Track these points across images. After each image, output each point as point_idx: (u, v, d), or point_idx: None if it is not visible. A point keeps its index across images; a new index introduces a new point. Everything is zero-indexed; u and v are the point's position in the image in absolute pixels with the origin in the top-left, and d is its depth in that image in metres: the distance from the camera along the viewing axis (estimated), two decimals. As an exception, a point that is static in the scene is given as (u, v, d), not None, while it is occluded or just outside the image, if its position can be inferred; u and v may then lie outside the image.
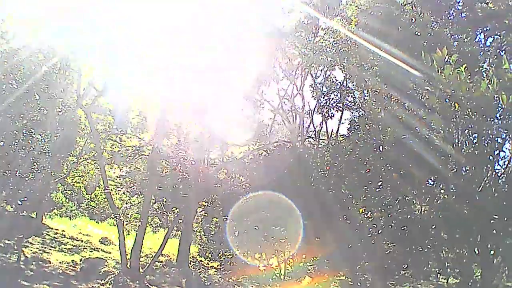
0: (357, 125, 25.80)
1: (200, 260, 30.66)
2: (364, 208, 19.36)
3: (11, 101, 22.22)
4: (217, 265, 28.95)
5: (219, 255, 27.72)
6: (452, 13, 32.08)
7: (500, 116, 14.92)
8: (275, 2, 35.02)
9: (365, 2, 28.46)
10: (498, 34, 31.18)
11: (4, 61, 22.99)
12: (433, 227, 16.90)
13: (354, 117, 31.41)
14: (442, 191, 17.26)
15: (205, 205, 30.30)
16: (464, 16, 31.29)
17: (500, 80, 10.85)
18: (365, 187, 19.51)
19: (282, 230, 22.39)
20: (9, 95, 22.25)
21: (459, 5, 32.02)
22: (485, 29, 31.79)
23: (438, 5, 31.05)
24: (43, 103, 25.24)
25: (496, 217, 14.33)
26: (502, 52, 22.59)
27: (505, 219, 14.27)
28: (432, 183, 18.06)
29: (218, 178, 30.60)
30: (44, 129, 26.32)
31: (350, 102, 34.51)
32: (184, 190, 29.83)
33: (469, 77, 11.17)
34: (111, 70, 30.43)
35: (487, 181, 15.00)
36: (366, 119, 23.18)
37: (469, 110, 13.83)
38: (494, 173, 15.46)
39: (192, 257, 31.91)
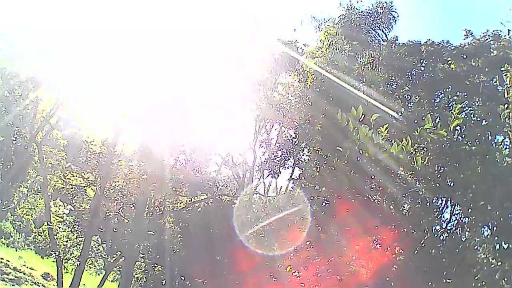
0: (298, 183, 27.21)
1: None
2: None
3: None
4: None
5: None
6: (414, 73, 34.05)
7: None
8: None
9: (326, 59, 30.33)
10: (457, 95, 33.09)
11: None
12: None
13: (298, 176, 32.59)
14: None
15: (141, 253, 30.93)
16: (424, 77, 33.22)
17: (419, 141, 11.63)
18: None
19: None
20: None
21: (422, 66, 33.98)
22: (444, 90, 33.66)
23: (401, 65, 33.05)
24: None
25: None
26: (450, 110, 23.94)
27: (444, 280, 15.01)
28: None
29: (157, 225, 31.21)
30: None
31: (298, 160, 35.33)
32: (125, 234, 30.75)
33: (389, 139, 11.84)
34: (70, 105, 31.82)
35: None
36: (305, 177, 24.49)
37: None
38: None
39: None
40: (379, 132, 11.40)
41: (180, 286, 25.99)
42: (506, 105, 11.76)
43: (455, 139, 13.16)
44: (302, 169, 33.06)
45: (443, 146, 12.92)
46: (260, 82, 35.56)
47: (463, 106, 30.99)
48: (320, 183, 22.09)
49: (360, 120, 10.77)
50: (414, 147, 11.64)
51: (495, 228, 18.38)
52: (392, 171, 14.63)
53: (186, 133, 35.12)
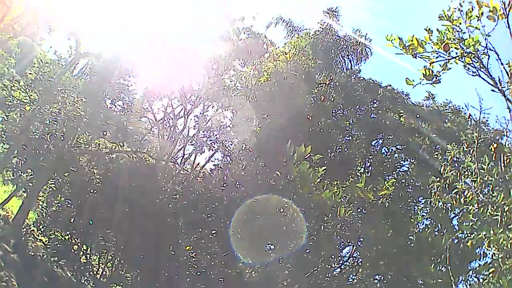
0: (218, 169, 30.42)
1: (32, 230, 32.94)
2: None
3: None
4: (45, 241, 30.19)
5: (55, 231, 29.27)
6: (362, 110, 36.61)
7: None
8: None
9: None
10: (397, 147, 36.07)
11: None
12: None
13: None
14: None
15: (57, 184, 31.96)
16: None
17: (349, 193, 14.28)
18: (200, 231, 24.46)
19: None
20: None
21: (373, 107, 36.60)
22: (385, 137, 36.38)
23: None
24: None
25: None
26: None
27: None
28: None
29: (77, 162, 32.45)
30: None
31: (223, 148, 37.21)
32: (45, 158, 32.69)
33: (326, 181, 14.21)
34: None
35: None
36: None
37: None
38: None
39: (27, 224, 32.79)
40: (317, 171, 14.16)
41: (88, 227, 27.65)
42: (438, 178, 14.32)
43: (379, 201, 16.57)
44: (224, 159, 35.75)
45: (366, 205, 16.31)
46: (214, 60, 37.45)
47: (397, 164, 34.46)
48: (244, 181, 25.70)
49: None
50: (341, 198, 13.95)
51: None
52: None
53: (130, 81, 38.21)
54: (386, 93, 37.09)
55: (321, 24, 41.09)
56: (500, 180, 10.36)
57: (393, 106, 36.05)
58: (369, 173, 31.82)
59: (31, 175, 34.22)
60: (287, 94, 31.78)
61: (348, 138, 34.64)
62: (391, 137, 36.05)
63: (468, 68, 8.70)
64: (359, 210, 19.59)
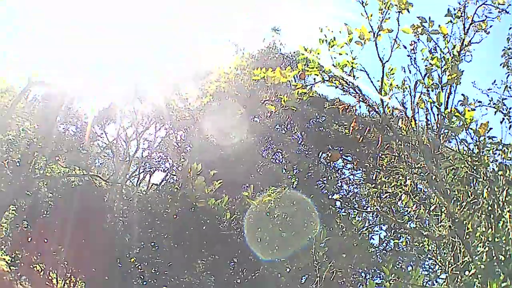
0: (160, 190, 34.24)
1: None
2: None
3: None
4: (8, 260, 32.82)
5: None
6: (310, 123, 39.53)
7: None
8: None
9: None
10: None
11: None
12: None
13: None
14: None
15: (16, 208, 34.97)
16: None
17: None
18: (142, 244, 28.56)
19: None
20: None
21: (318, 120, 39.60)
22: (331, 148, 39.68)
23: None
24: None
25: None
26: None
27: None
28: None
29: (34, 187, 36.04)
30: None
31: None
32: (4, 185, 35.01)
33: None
34: None
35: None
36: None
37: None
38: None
39: None
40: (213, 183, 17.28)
41: (43, 245, 31.00)
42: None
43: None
44: (168, 179, 39.39)
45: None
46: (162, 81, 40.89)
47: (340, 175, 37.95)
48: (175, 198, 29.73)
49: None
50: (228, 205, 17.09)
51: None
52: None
53: (81, 106, 42.06)
54: (333, 106, 39.85)
55: (264, 44, 44.61)
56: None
57: (340, 119, 38.66)
58: (312, 186, 34.75)
59: None
60: (230, 113, 35.09)
61: (297, 152, 38.07)
62: (338, 148, 39.17)
63: (341, 89, 9.95)
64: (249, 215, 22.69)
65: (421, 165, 9.98)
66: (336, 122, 38.88)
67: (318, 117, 40.20)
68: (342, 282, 21.43)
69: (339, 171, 39.81)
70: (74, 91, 38.89)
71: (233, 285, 29.21)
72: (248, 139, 34.74)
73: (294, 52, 43.13)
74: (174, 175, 38.17)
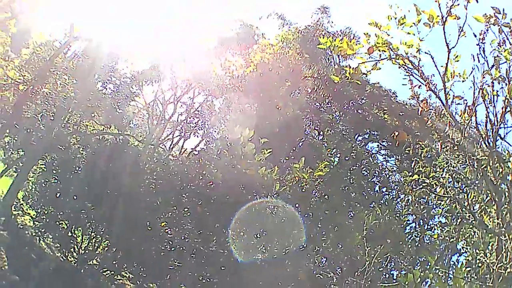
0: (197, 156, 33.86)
1: (21, 205, 35.30)
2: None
3: None
4: (33, 214, 32.81)
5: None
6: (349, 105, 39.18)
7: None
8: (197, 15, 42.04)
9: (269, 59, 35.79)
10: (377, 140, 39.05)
11: None
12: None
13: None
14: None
15: (46, 162, 34.29)
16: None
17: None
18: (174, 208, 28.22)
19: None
20: None
21: (359, 102, 39.24)
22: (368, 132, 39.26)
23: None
24: None
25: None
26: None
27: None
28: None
29: (67, 142, 35.54)
30: None
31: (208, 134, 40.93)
32: (36, 138, 35.79)
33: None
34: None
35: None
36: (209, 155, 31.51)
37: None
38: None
39: (16, 202, 35.34)
40: (262, 152, 17.02)
41: (72, 203, 30.06)
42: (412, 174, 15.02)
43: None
44: (207, 145, 39.17)
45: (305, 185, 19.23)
46: (204, 50, 41.11)
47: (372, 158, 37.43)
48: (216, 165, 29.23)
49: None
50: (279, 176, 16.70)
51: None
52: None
53: (121, 65, 41.67)
54: (374, 90, 40.00)
55: (312, 21, 44.31)
56: (471, 179, 11.08)
57: (379, 104, 38.95)
58: (351, 167, 34.41)
59: (21, 154, 37.48)
60: (272, 85, 34.73)
61: (331, 131, 37.26)
62: (376, 133, 39.27)
63: (404, 69, 9.94)
64: (297, 188, 22.35)
65: (476, 157, 9.66)
66: (376, 106, 38.64)
67: (358, 99, 39.54)
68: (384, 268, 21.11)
69: (372, 156, 39.28)
70: (115, 49, 39.02)
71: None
72: (291, 113, 34.27)
73: (341, 31, 42.73)
74: (212, 142, 37.68)
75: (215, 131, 38.77)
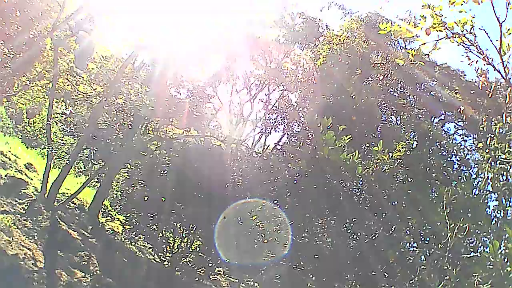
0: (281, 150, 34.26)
1: (109, 210, 36.03)
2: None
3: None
4: (123, 219, 34.35)
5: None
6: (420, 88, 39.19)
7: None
8: (259, 14, 42.26)
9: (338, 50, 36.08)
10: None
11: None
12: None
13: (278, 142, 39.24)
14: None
15: (129, 169, 36.12)
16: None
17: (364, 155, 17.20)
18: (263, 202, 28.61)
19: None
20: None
21: (429, 84, 39.26)
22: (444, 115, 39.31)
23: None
24: (20, 21, 30.42)
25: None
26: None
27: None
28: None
29: (147, 148, 36.46)
30: (12, 45, 31.32)
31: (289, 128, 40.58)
32: (116, 147, 36.25)
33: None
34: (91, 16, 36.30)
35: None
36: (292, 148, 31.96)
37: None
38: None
39: (103, 209, 37.04)
40: (342, 138, 17.25)
41: (160, 204, 30.84)
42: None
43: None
44: (289, 138, 39.48)
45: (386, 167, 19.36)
46: (273, 45, 41.86)
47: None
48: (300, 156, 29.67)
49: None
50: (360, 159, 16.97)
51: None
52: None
53: (192, 69, 41.69)
54: (443, 71, 40.00)
55: (372, 8, 43.98)
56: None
57: (450, 84, 38.86)
58: (430, 148, 34.46)
59: (102, 164, 38.30)
60: (343, 74, 35.09)
61: (407, 115, 37.20)
62: (451, 114, 39.54)
63: (463, 46, 10.21)
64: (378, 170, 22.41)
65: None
66: (447, 87, 38.63)
67: (428, 81, 39.63)
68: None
69: (450, 137, 39.37)
70: (183, 55, 39.28)
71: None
72: (365, 100, 34.54)
73: (401, 16, 42.89)
74: (294, 135, 38.07)
75: (294, 124, 38.94)
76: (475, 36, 9.91)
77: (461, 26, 9.89)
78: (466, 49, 10.09)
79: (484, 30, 9.79)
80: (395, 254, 24.53)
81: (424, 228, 25.22)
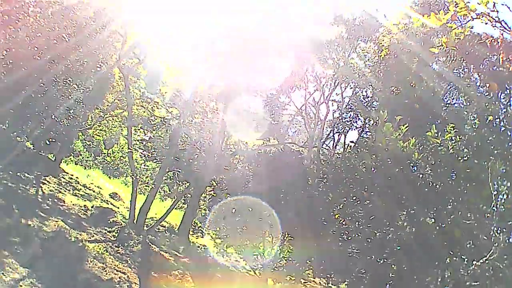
0: (356, 147, 35.02)
1: (199, 227, 37.16)
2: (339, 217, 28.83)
3: (59, 49, 27.90)
4: (212, 234, 33.89)
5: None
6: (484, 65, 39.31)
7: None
8: (319, 13, 42.92)
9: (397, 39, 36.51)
10: None
11: (61, 15, 28.61)
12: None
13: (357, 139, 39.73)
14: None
15: (215, 185, 36.94)
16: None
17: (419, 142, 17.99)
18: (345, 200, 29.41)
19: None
20: (58, 45, 27.98)
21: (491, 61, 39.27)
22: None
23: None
24: (84, 55, 31.10)
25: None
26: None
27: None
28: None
29: (230, 163, 37.66)
30: (81, 80, 32.29)
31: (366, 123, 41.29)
32: (198, 166, 36.85)
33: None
34: (153, 41, 37.36)
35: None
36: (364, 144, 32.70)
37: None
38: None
39: (193, 229, 38.23)
40: (400, 128, 17.91)
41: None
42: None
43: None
44: (366, 133, 40.07)
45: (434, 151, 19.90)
46: (339, 43, 42.33)
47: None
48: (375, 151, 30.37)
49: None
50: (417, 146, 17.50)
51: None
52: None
53: (263, 77, 42.02)
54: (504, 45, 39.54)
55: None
56: None
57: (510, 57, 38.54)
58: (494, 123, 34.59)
59: (187, 185, 39.29)
60: (403, 63, 35.64)
61: (471, 93, 37.48)
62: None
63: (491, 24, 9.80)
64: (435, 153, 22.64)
65: None
66: (508, 60, 38.24)
67: (489, 56, 39.80)
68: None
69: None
70: (253, 64, 39.48)
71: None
72: (425, 86, 34.99)
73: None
74: (368, 130, 38.81)
75: (368, 120, 39.59)
76: (497, 13, 9.69)
77: (484, 5, 9.65)
78: (493, 27, 9.85)
79: (506, 6, 9.56)
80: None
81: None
